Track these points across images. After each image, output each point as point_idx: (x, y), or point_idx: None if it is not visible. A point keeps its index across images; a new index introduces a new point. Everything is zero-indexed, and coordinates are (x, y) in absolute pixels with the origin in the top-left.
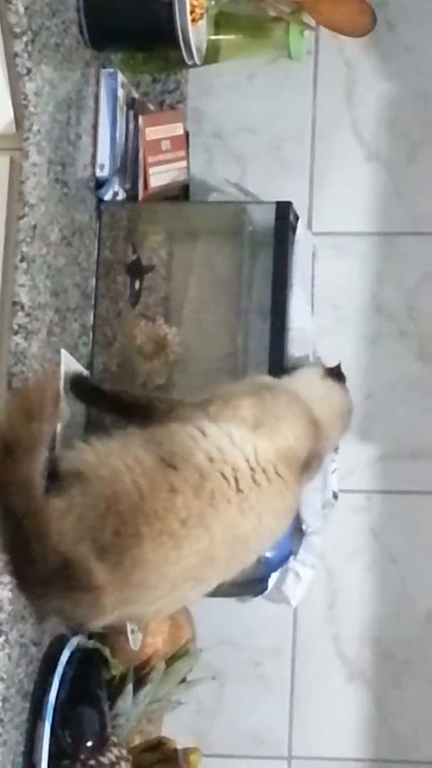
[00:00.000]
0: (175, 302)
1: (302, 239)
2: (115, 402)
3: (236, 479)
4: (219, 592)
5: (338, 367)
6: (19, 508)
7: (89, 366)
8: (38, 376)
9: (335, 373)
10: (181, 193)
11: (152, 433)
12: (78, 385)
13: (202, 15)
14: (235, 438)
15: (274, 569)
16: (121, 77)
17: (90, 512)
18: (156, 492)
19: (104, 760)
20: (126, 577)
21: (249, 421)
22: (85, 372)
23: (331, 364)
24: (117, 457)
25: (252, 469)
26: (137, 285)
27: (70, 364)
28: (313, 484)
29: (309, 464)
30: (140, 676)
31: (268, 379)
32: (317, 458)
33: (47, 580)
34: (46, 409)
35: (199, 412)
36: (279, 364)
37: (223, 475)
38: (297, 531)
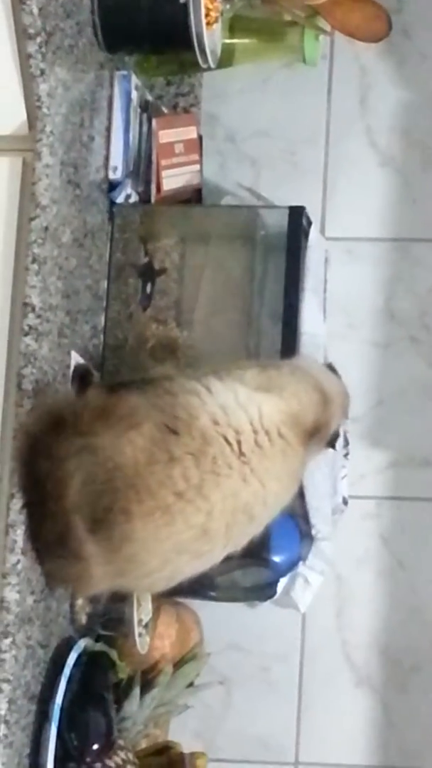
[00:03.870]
0: (187, 306)
1: (315, 244)
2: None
3: (239, 442)
4: (228, 596)
5: (331, 365)
6: (44, 472)
7: (100, 368)
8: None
9: (331, 369)
10: (193, 196)
11: (158, 399)
12: (84, 381)
13: (216, 18)
14: (240, 396)
15: (283, 574)
16: (134, 80)
17: (90, 482)
18: (152, 465)
19: (110, 763)
20: (114, 552)
21: (253, 386)
22: (96, 374)
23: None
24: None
25: (255, 431)
26: (149, 288)
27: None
28: (323, 489)
29: (316, 432)
30: (147, 679)
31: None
32: (325, 427)
33: (47, 541)
34: None
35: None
36: None
37: (226, 439)
38: (307, 537)
